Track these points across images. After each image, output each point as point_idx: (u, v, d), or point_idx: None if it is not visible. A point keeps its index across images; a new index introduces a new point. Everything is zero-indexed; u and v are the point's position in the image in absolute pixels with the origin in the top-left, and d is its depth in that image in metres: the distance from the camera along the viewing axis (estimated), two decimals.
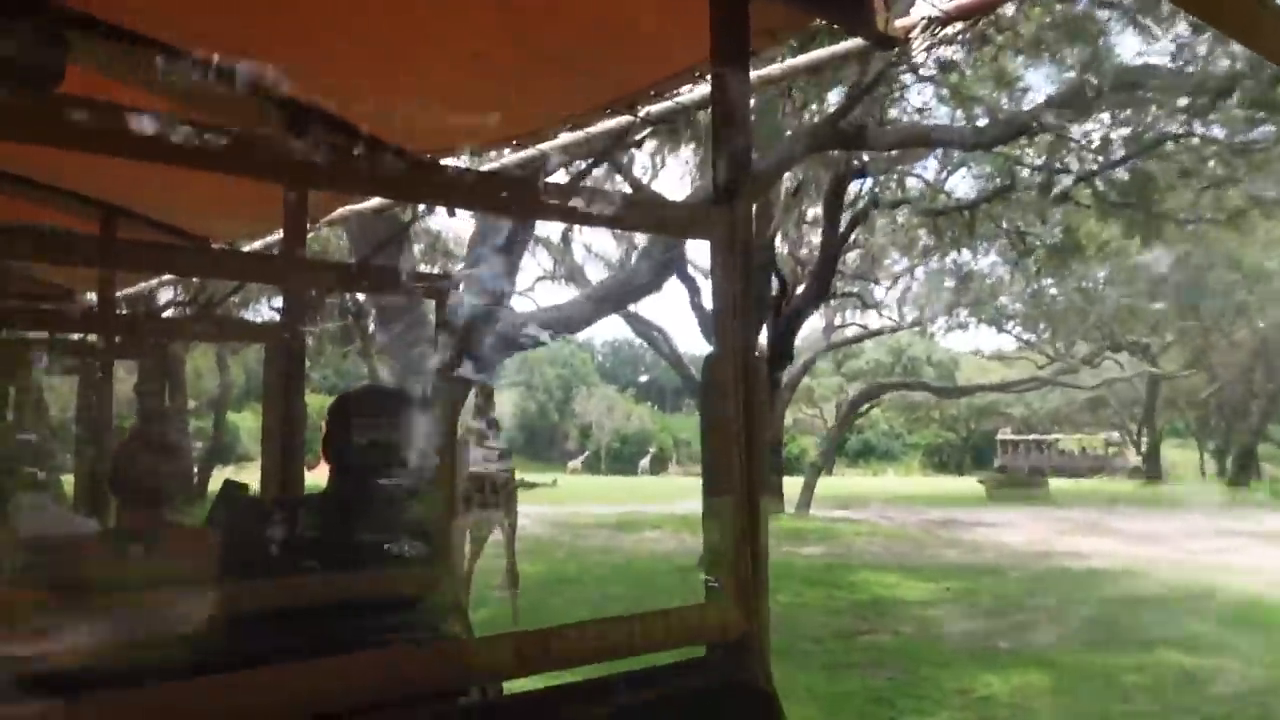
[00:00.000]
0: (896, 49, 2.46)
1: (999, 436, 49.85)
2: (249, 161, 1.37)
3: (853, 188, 13.00)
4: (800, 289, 13.27)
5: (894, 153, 11.77)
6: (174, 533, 2.64)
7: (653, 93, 2.76)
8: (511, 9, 2.31)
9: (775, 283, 13.20)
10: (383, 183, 1.68)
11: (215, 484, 21.42)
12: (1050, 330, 23.92)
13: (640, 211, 2.22)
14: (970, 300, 20.71)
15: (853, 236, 14.05)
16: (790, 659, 8.94)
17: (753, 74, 2.48)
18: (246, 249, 4.35)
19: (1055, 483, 30.09)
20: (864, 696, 7.78)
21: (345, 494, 2.24)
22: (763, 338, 13.41)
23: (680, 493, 25.08)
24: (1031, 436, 49.31)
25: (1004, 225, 14.82)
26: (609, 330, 79.41)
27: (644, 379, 63.32)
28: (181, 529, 2.74)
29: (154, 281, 6.21)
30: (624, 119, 3.10)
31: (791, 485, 21.57)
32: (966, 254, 19.40)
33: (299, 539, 2.17)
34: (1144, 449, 38.70)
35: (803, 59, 3.28)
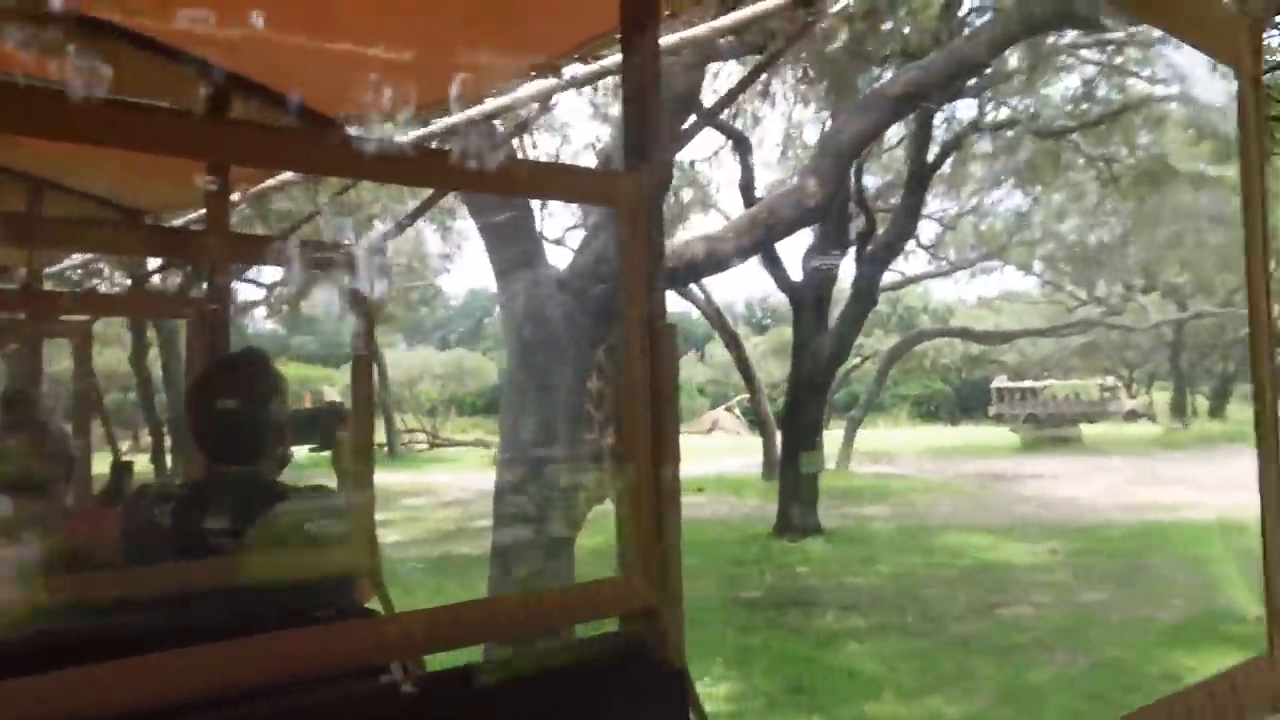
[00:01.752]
0: (814, 7, 2.55)
1: (994, 384, 49.27)
2: (160, 139, 1.36)
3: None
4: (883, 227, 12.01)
5: (1019, 68, 10.52)
6: (65, 517, 2.68)
7: (577, 56, 2.75)
8: None
9: (862, 220, 11.94)
10: (280, 155, 1.69)
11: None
12: (1082, 271, 22.82)
13: (544, 178, 2.11)
14: (1016, 240, 19.49)
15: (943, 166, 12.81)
16: (945, 641, 7.86)
17: (677, 35, 2.81)
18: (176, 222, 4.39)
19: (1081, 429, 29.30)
20: (1062, 689, 6.69)
21: (207, 476, 2.19)
22: (848, 278, 12.20)
23: (690, 453, 23.93)
24: (1026, 383, 48.74)
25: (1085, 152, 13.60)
26: None
27: None
28: (73, 513, 2.78)
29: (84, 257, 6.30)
30: (549, 82, 3.11)
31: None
32: (1001, 191, 18.23)
33: (157, 526, 2.09)
34: (1172, 393, 38.17)
35: (725, 20, 3.28)
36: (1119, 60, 11.84)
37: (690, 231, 15.76)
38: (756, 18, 3.12)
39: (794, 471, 12.66)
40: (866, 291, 11.97)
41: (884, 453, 24.31)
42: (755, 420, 40.10)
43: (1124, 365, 47.25)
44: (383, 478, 20.43)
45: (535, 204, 8.57)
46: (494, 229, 6.30)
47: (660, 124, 1.84)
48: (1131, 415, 42.01)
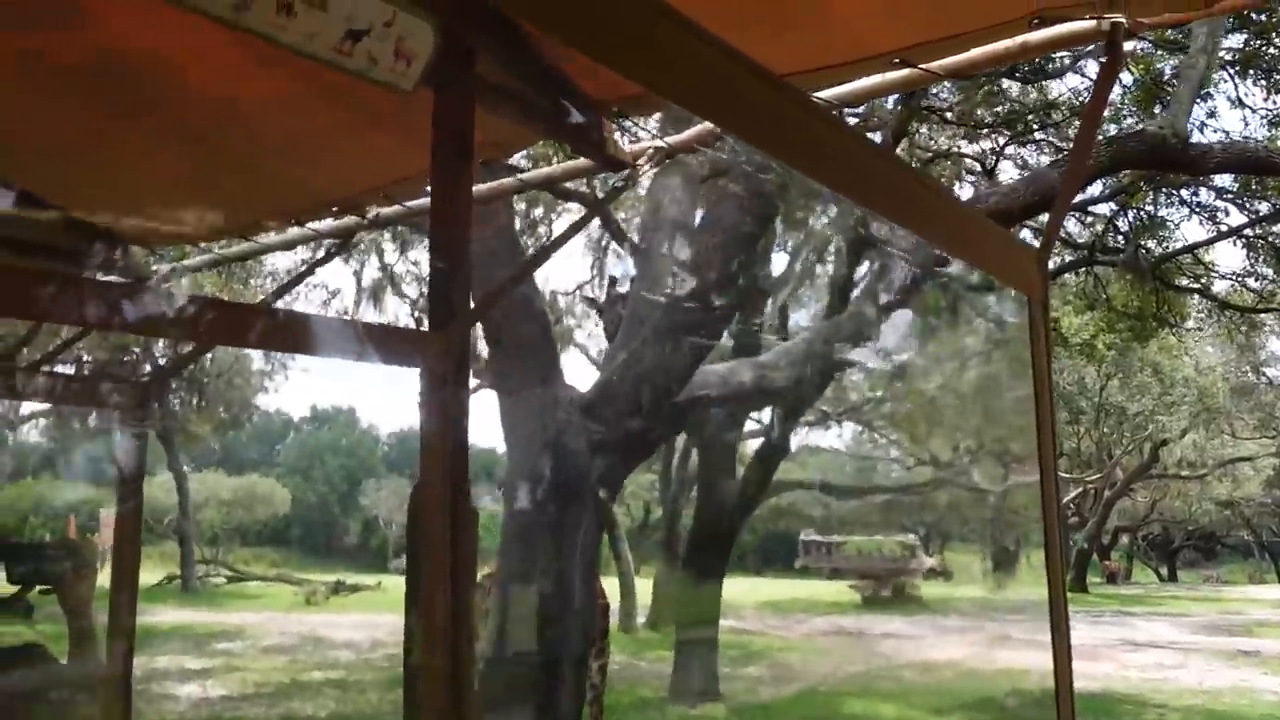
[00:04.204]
0: (626, 172, 2.51)
1: (803, 537, 50.06)
2: None
3: None
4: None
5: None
6: None
7: (384, 195, 2.79)
8: (234, 104, 2.26)
9: None
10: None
11: None
12: (919, 431, 23.35)
13: (341, 336, 1.84)
14: (874, 397, 19.78)
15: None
16: None
17: (486, 185, 2.97)
18: None
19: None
20: None
21: None
22: None
23: None
24: (833, 538, 49.80)
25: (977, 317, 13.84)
26: (396, 419, 72.90)
27: None
28: None
29: None
30: (351, 219, 3.10)
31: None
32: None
33: None
34: (993, 553, 39.48)
35: (534, 174, 3.36)
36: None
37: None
38: (567, 175, 3.11)
39: (691, 629, 11.67)
40: (782, 438, 11.43)
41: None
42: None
43: (921, 524, 49.07)
44: (183, 616, 17.81)
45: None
46: (508, 336, 5.27)
47: (469, 279, 1.73)
48: (931, 573, 43.24)
